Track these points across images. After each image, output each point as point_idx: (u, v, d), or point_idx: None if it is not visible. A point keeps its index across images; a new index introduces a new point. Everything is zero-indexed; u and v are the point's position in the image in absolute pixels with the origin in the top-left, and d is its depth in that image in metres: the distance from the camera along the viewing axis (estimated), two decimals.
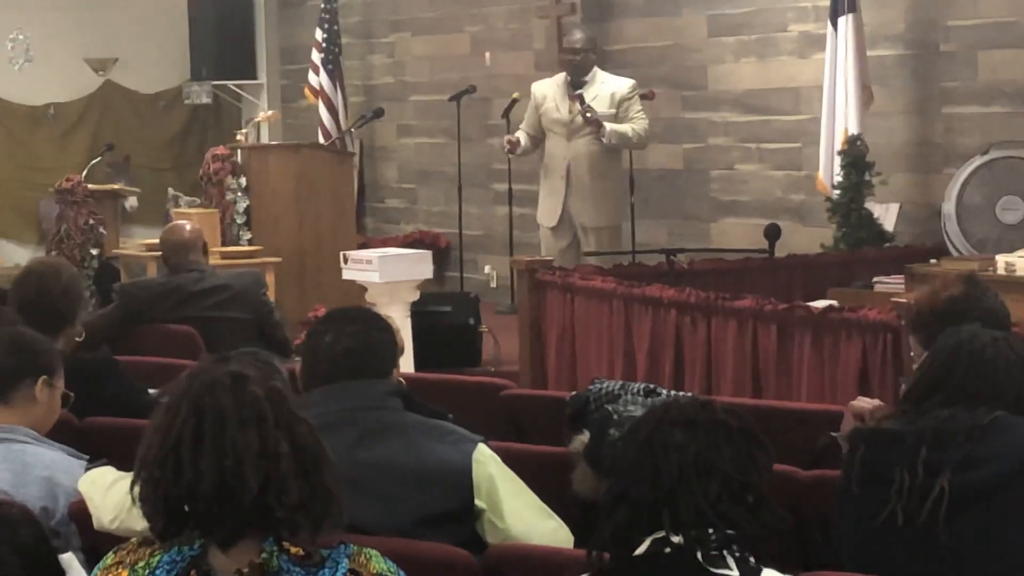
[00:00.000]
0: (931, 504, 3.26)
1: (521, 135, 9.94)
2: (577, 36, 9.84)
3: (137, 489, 2.67)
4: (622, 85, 9.69)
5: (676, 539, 2.86)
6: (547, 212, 9.91)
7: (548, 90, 9.82)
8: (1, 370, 3.99)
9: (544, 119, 9.76)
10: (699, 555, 2.83)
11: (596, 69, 9.76)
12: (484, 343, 9.85)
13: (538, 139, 9.88)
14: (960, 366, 3.46)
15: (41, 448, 3.94)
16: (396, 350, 3.90)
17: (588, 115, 9.45)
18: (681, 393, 4.27)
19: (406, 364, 6.88)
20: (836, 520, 3.48)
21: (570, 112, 9.60)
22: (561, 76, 9.82)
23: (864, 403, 4.02)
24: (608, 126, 9.46)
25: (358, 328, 3.79)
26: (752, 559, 2.87)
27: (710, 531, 2.86)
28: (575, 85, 9.62)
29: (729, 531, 2.87)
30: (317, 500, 2.64)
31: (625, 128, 9.54)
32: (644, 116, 9.67)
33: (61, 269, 5.54)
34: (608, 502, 2.97)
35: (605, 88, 9.64)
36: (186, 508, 2.62)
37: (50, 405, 4.08)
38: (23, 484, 3.77)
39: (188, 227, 7.42)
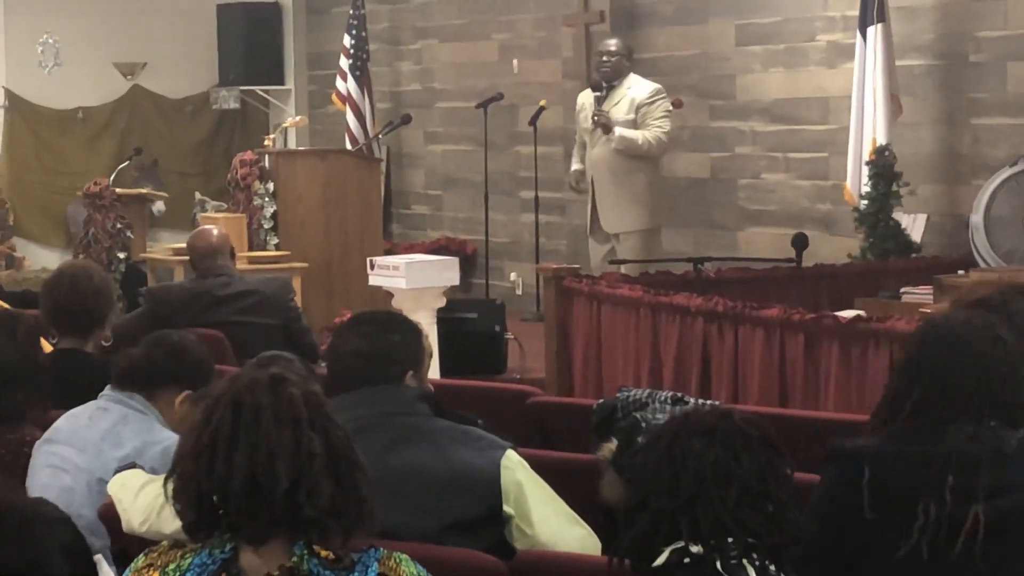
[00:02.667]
0: (965, 534, 3.12)
1: (575, 159, 9.89)
2: (611, 42, 9.78)
3: (171, 485, 2.69)
4: (644, 90, 9.54)
5: (695, 549, 2.86)
6: (588, 219, 9.87)
7: (586, 99, 9.77)
8: (155, 366, 4.20)
9: (581, 127, 9.74)
10: (718, 564, 2.83)
11: (631, 75, 9.63)
12: (510, 350, 9.85)
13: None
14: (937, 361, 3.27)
15: (166, 430, 4.13)
16: (413, 354, 3.81)
17: (595, 118, 9.39)
18: (705, 402, 4.27)
19: (432, 370, 6.88)
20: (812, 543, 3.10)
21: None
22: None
23: None
24: (617, 130, 9.32)
25: (369, 330, 3.77)
26: (772, 567, 2.87)
27: (729, 540, 2.86)
28: (601, 89, 9.54)
29: (749, 539, 2.87)
30: (349, 504, 2.65)
31: (635, 134, 9.35)
32: (662, 124, 9.43)
33: (93, 272, 5.56)
34: (629, 511, 2.98)
35: (630, 93, 9.53)
36: (218, 508, 2.63)
37: (182, 420, 4.08)
38: (142, 456, 3.94)
39: (215, 232, 7.43)
